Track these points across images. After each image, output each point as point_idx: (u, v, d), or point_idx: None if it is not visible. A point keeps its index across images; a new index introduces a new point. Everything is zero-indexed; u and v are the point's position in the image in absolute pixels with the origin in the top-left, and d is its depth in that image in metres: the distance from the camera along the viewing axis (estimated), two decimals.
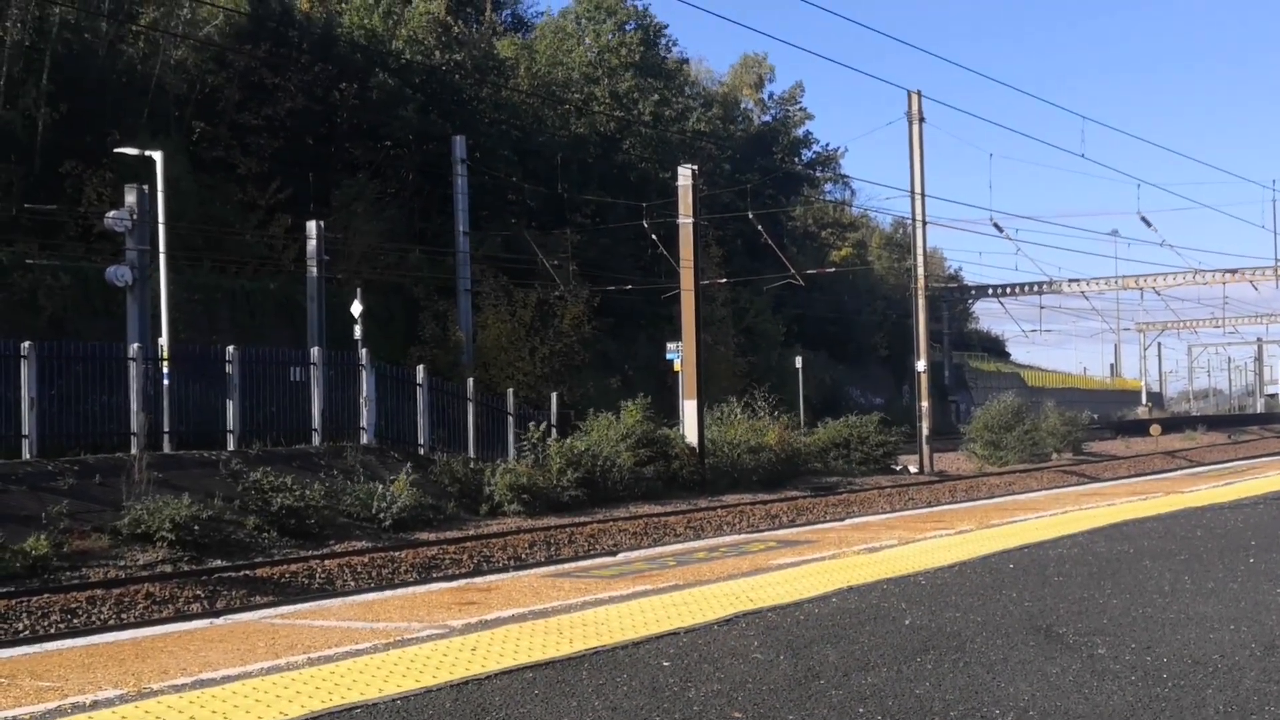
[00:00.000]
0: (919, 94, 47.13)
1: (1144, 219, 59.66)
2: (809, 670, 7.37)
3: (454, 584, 12.18)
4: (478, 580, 12.37)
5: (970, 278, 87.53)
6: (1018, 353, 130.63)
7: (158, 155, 33.58)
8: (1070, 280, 57.83)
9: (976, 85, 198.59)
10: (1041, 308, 70.58)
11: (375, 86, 51.63)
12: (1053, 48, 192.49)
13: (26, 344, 26.12)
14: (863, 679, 7.17)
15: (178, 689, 6.90)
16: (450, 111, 53.64)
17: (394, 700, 6.57)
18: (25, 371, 25.82)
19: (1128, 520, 15.95)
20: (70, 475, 23.76)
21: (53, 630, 16.80)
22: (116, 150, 35.86)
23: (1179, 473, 32.98)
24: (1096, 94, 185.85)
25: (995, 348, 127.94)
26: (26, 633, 16.72)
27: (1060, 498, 21.68)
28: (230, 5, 46.80)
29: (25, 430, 25.56)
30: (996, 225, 53.48)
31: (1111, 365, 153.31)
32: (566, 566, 13.69)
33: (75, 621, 17.47)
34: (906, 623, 8.81)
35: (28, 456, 25.07)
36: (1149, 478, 31.14)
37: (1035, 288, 55.95)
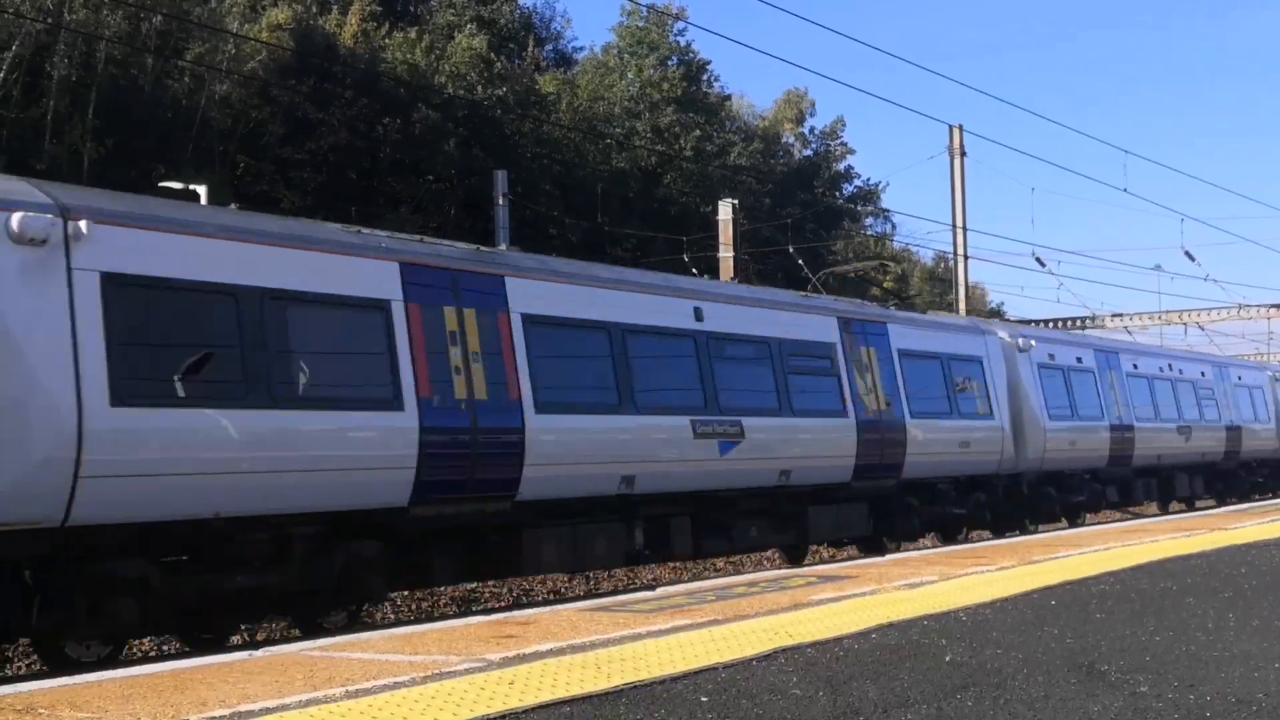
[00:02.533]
0: (960, 128, 47.04)
1: (1188, 253, 59.22)
2: (848, 707, 7.32)
3: (492, 617, 12.17)
4: (516, 614, 12.36)
5: (1013, 312, 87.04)
6: None
7: (202, 189, 33.77)
8: (1113, 315, 57.43)
9: (1018, 119, 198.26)
10: None
11: (418, 121, 51.91)
12: (1095, 82, 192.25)
13: None
14: (902, 716, 7.12)
15: None
16: (492, 146, 53.86)
17: None
18: None
19: (1171, 557, 15.81)
20: None
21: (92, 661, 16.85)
22: (162, 184, 36.10)
23: (1223, 509, 32.62)
24: (1139, 128, 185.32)
25: None
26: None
27: (1103, 534, 21.51)
28: (274, 41, 47.24)
29: None
30: (1039, 260, 53.08)
31: None
32: (605, 601, 13.65)
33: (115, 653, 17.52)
34: (947, 659, 8.75)
35: None
36: (1193, 514, 30.83)
37: (1078, 322, 55.61)
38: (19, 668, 16.54)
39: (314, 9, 54.41)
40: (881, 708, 7.29)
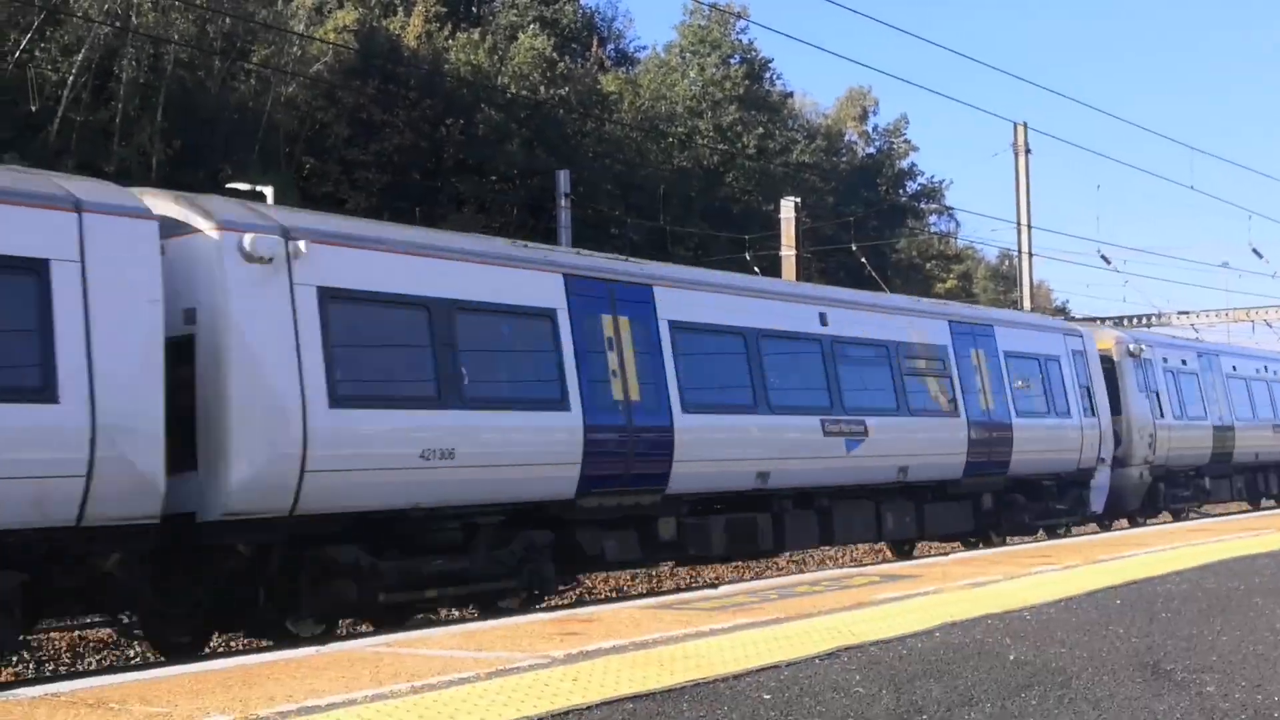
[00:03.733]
0: (1025, 126, 46.69)
1: (1255, 250, 58.62)
2: (911, 705, 7.32)
3: (556, 615, 12.23)
4: (579, 611, 12.42)
5: (1077, 310, 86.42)
6: None
7: (268, 190, 34.02)
8: (1179, 312, 56.88)
9: (1082, 116, 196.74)
10: None
11: (481, 122, 52.14)
12: (1159, 78, 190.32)
13: None
14: (966, 715, 7.11)
15: (283, 715, 7.00)
16: (554, 146, 54.02)
17: None
18: None
19: (1238, 556, 15.66)
20: None
21: (163, 657, 17.06)
22: (228, 186, 36.43)
23: None
24: (1204, 124, 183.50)
25: None
26: (138, 659, 17.01)
27: (1169, 533, 21.33)
28: (339, 43, 47.59)
29: None
30: (1104, 257, 52.70)
31: None
32: (668, 599, 13.69)
33: None
34: (1011, 658, 8.72)
35: None
36: (1260, 514, 30.52)
37: (1144, 320, 55.10)
38: (89, 664, 16.79)
39: (378, 11, 54.77)
40: (945, 706, 7.28)
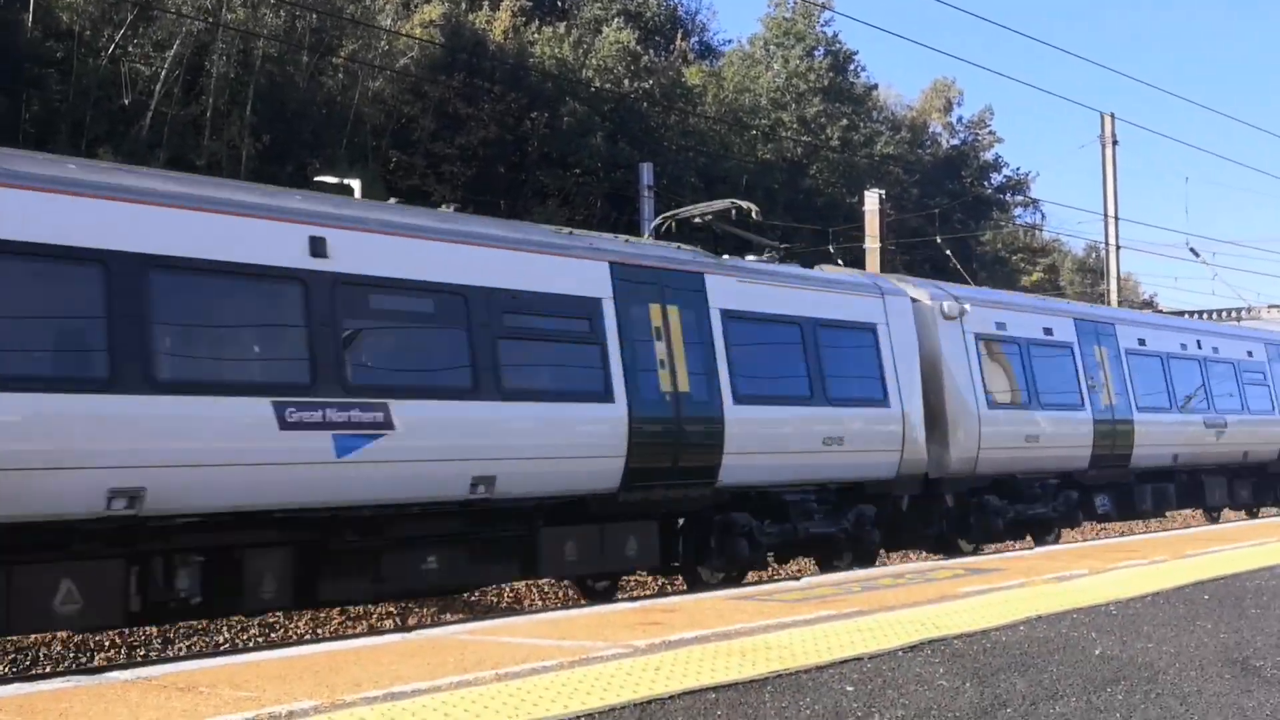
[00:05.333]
0: (1112, 116, 46.16)
1: None
2: (995, 699, 7.29)
3: (638, 604, 12.27)
4: (662, 601, 12.44)
5: (1166, 303, 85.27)
6: None
7: (356, 184, 34.36)
8: (1270, 306, 56.04)
9: (1171, 107, 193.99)
10: None
11: (565, 115, 52.29)
12: (1249, 68, 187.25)
13: None
14: (1051, 708, 7.08)
15: (369, 701, 7.09)
16: (638, 139, 54.06)
17: (578, 717, 6.67)
18: None
19: None
20: None
21: (251, 644, 17.30)
22: (316, 179, 36.85)
23: None
24: None
25: None
26: (226, 645, 17.25)
27: (1259, 529, 21.04)
28: (426, 38, 47.92)
29: None
30: (1193, 250, 52.02)
31: None
32: (750, 590, 13.69)
33: (273, 635, 17.97)
34: (1096, 653, 8.65)
35: None
36: None
37: (1234, 314, 54.28)
38: (179, 649, 17.05)
39: (464, 6, 55.08)
40: (1030, 700, 7.25)
